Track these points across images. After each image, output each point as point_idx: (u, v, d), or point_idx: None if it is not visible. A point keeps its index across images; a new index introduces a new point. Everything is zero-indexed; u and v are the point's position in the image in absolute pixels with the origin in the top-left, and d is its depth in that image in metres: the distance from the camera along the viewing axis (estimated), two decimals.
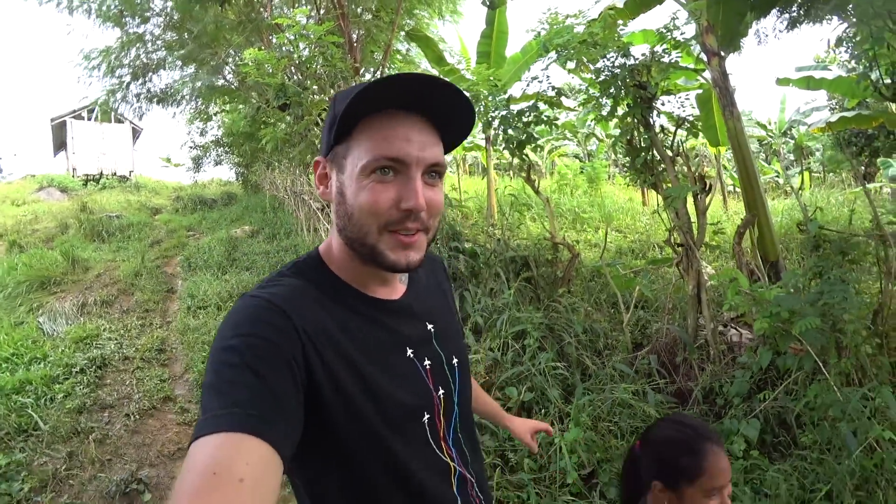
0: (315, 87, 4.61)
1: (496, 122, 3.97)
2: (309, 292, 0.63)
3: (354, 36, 6.86)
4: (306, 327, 0.58)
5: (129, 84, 8.07)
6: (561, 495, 2.30)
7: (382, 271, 0.67)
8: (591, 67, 3.45)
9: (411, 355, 0.69)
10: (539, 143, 14.65)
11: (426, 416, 0.68)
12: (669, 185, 3.37)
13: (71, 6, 6.25)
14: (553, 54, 3.65)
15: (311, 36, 3.65)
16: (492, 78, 4.80)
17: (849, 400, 2.10)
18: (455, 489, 0.71)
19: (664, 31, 3.05)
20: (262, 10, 5.45)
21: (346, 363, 0.60)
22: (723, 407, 2.80)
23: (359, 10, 6.30)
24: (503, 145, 4.09)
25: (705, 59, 4.00)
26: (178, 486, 0.41)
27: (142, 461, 3.00)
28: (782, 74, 6.12)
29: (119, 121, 17.26)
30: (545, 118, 3.87)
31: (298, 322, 0.57)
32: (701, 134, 5.29)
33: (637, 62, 3.27)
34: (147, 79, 8.42)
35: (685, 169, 3.34)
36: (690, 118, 3.46)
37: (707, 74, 4.11)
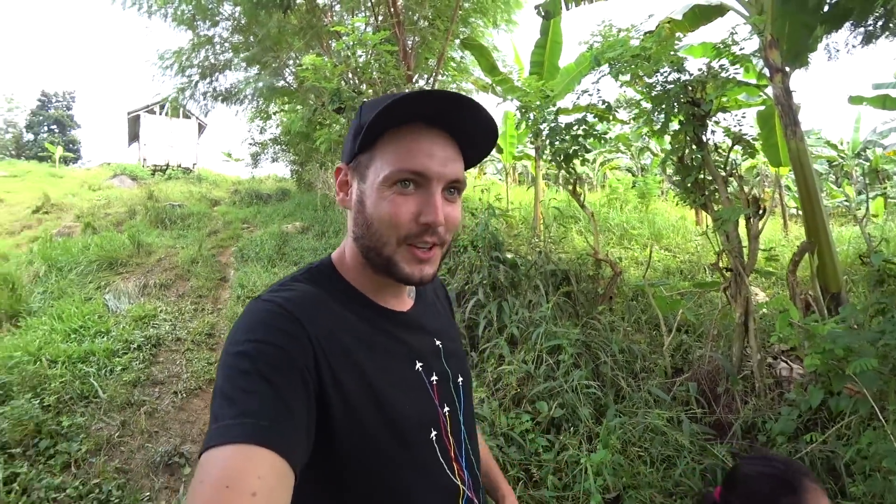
0: (370, 91, 4.79)
1: (544, 134, 3.97)
2: (321, 299, 0.63)
3: (409, 43, 7.06)
4: (318, 334, 0.57)
5: (197, 83, 8.66)
6: None
7: (394, 282, 0.67)
8: (645, 81, 3.39)
9: (419, 368, 0.69)
10: (589, 155, 14.40)
11: (433, 433, 0.67)
12: (721, 206, 3.25)
13: (150, 10, 6.81)
14: (605, 67, 3.61)
15: (368, 44, 3.81)
16: (544, 88, 4.81)
17: None
18: None
19: (721, 46, 2.96)
20: (322, 16, 5.72)
21: (356, 372, 0.60)
22: (764, 444, 2.66)
23: (415, 17, 6.47)
24: (550, 157, 4.08)
25: (768, 74, 3.82)
26: (191, 498, 0.42)
27: (185, 437, 3.22)
28: (856, 92, 5.73)
29: (186, 116, 18.55)
30: (594, 132, 3.84)
31: (310, 329, 0.57)
32: (762, 153, 5.05)
33: (692, 78, 3.18)
34: (214, 78, 8.99)
35: (739, 190, 3.21)
36: (748, 137, 3.32)
37: (770, 91, 3.93)
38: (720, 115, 3.33)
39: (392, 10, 5.04)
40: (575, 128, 3.86)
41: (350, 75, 4.39)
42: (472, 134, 0.65)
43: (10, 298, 4.95)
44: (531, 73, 6.88)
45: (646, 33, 3.62)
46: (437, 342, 0.75)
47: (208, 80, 9.27)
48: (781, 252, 5.38)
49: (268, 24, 6.25)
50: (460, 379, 0.76)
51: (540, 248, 3.89)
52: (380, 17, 6.06)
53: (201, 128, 20.31)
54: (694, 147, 3.32)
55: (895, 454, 1.94)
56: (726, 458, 2.46)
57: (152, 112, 18.45)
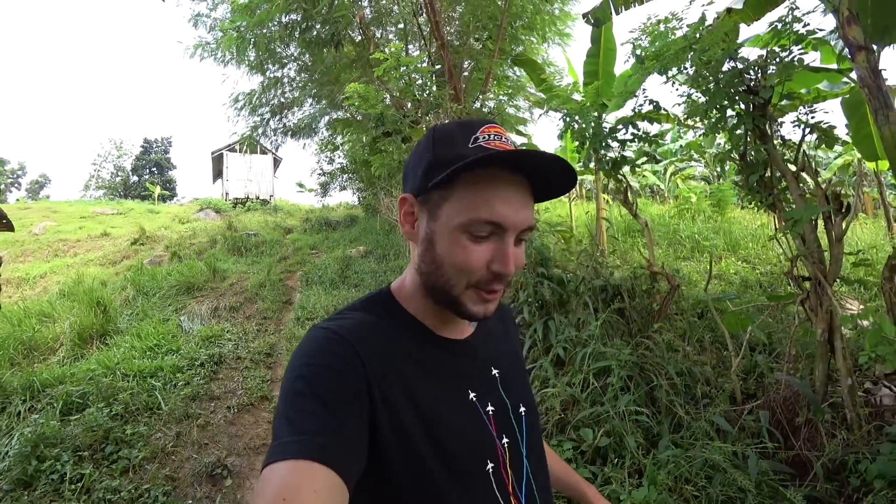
0: (417, 112, 4.94)
1: (587, 142, 3.84)
2: (376, 327, 0.65)
3: (466, 64, 7.24)
4: (372, 361, 0.59)
5: (268, 120, 9.49)
6: None
7: (449, 313, 0.68)
8: (696, 73, 3.17)
9: (473, 399, 0.68)
10: (659, 165, 13.62)
11: (490, 466, 0.66)
12: (793, 205, 2.90)
13: (224, 59, 7.63)
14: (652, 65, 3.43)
15: (405, 69, 3.98)
16: (601, 96, 4.68)
17: None
18: None
19: (780, 24, 2.70)
20: (369, 47, 6.07)
21: (409, 400, 0.60)
22: (857, 489, 2.25)
23: (465, 38, 6.64)
24: (598, 165, 3.92)
25: (848, 55, 3.40)
26: None
27: (230, 450, 3.39)
28: None
29: (263, 152, 20.37)
30: (643, 134, 3.64)
31: (364, 355, 0.59)
32: (855, 148, 4.46)
33: (748, 63, 2.92)
34: (283, 115, 9.80)
35: (815, 186, 2.84)
36: (825, 124, 2.96)
37: (855, 74, 3.49)
38: (787, 104, 3.01)
39: (436, 33, 5.22)
40: (622, 132, 3.69)
41: (391, 99, 4.59)
42: (549, 185, 0.65)
43: (102, 319, 5.61)
44: (585, 83, 6.74)
45: (693, 24, 3.41)
46: (494, 371, 0.75)
47: (278, 117, 10.14)
48: (879, 257, 4.66)
49: (324, 60, 6.74)
50: (522, 409, 0.75)
51: (586, 263, 3.69)
52: (428, 42, 6.30)
53: (277, 162, 22.19)
54: (756, 141, 3.02)
55: None
56: None
57: (233, 150, 20.53)
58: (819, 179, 2.99)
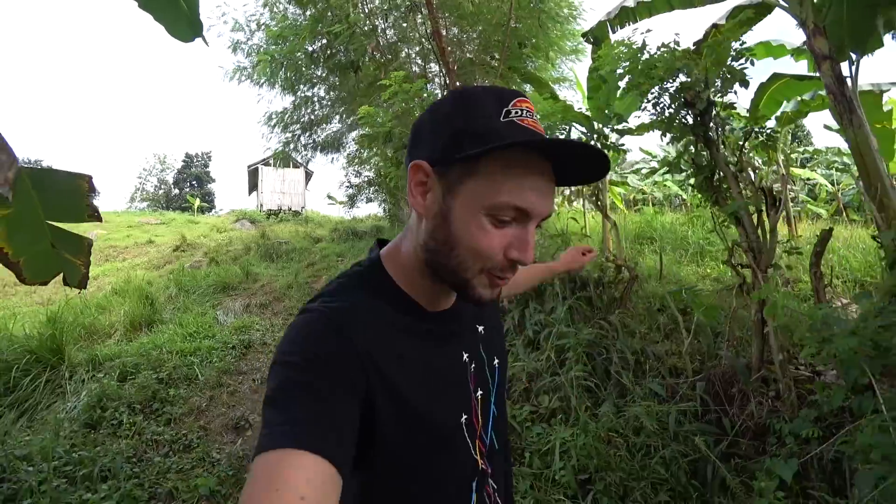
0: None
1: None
2: (370, 306, 0.65)
3: (477, 82, 7.94)
4: (365, 344, 0.59)
5: (299, 136, 10.48)
6: (554, 494, 2.56)
7: (446, 288, 0.69)
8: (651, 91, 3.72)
9: (466, 359, 0.73)
10: (682, 174, 13.84)
11: (464, 417, 0.70)
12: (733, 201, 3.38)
13: (259, 81, 8.66)
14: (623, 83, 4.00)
15: (409, 92, 4.73)
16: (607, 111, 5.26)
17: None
18: (474, 484, 0.72)
19: (715, 42, 3.25)
20: (383, 73, 6.87)
21: (402, 376, 0.62)
22: (775, 445, 2.68)
23: (475, 59, 7.36)
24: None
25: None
26: (243, 500, 0.45)
27: (253, 409, 4.10)
28: None
29: (296, 166, 21.76)
30: (610, 144, 4.20)
31: (357, 340, 0.59)
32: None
33: (689, 80, 3.45)
34: (313, 131, 10.78)
35: (750, 184, 3.32)
36: (764, 131, 3.45)
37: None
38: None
39: (442, 58, 5.97)
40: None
41: (399, 119, 5.33)
42: (577, 173, 0.64)
43: (150, 310, 6.54)
44: (589, 98, 7.30)
45: (695, 43, 3.94)
46: (480, 328, 0.79)
47: (308, 133, 11.14)
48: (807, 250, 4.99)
49: (347, 81, 7.62)
50: (496, 361, 0.80)
51: None
52: (440, 63, 7.05)
53: (308, 175, 23.61)
54: (702, 147, 3.53)
55: (883, 446, 1.81)
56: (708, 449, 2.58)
57: (267, 164, 22.10)
58: (759, 179, 3.47)
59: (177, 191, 45.38)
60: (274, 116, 9.71)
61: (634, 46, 3.72)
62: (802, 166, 12.26)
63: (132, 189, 46.03)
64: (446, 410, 0.68)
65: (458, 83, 6.75)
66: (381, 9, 7.27)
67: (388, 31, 7.71)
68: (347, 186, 15.82)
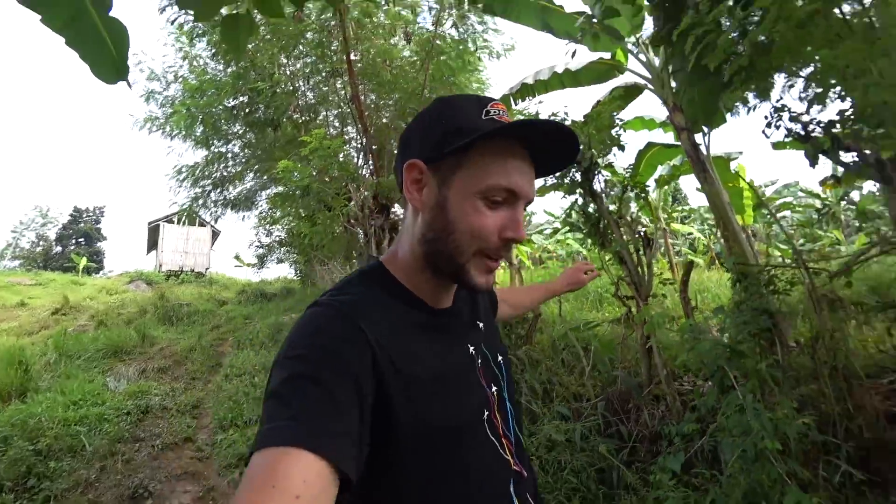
0: (335, 191, 5.94)
1: None
2: (379, 300, 0.67)
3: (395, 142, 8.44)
4: (378, 337, 0.60)
5: (209, 192, 10.21)
6: None
7: (448, 284, 0.73)
8: None
9: (473, 353, 0.75)
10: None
11: (485, 413, 0.71)
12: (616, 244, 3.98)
13: (171, 133, 8.51)
14: None
15: (329, 149, 5.05)
16: None
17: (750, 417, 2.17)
18: (512, 488, 0.72)
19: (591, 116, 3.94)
20: (303, 131, 7.17)
21: (417, 369, 0.63)
22: (666, 446, 3.06)
23: (391, 121, 7.90)
24: None
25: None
26: (238, 495, 0.45)
27: (153, 477, 3.75)
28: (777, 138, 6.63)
29: (202, 224, 20.78)
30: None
31: (369, 332, 0.60)
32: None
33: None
34: (224, 188, 10.57)
35: (629, 229, 3.95)
36: (638, 185, 4.16)
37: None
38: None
39: (360, 120, 6.41)
40: None
41: (317, 175, 5.57)
42: (550, 159, 0.70)
43: (22, 377, 5.75)
44: None
45: (585, 115, 4.65)
46: (480, 325, 0.82)
47: (219, 189, 10.88)
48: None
49: (265, 138, 7.77)
50: (500, 357, 0.82)
51: None
52: (358, 124, 7.50)
53: (215, 235, 22.55)
54: (588, 198, 4.15)
55: (741, 424, 2.17)
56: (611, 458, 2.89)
57: (170, 221, 20.86)
58: (638, 225, 4.13)
59: (59, 248, 40.20)
60: (184, 170, 9.43)
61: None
62: (682, 222, 14.18)
63: (1, 245, 39.65)
64: (467, 406, 0.69)
65: (373, 146, 7.20)
66: (303, 71, 7.65)
67: (308, 93, 8.07)
68: (257, 246, 15.35)
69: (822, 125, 2.88)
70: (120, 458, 4.02)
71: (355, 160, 7.99)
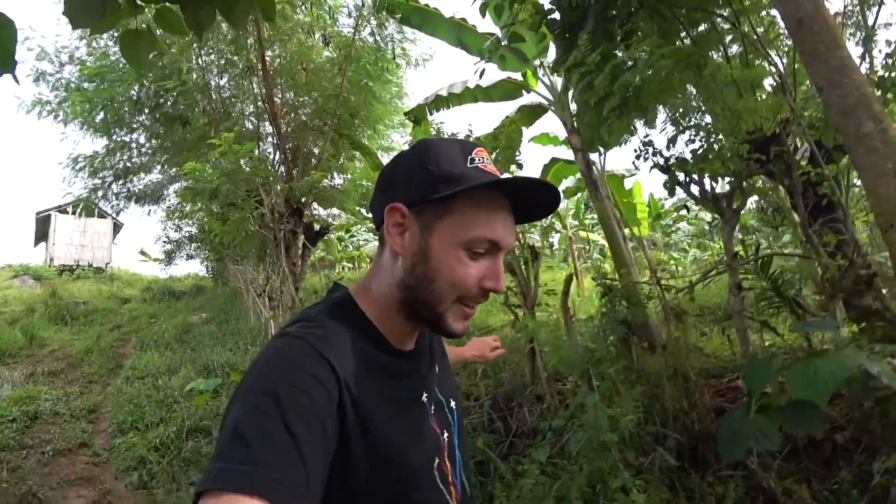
0: (246, 191, 5.99)
1: None
2: (348, 337, 0.65)
3: (318, 144, 8.48)
4: (346, 377, 0.60)
5: (110, 184, 9.62)
6: None
7: (418, 327, 0.73)
8: None
9: (425, 400, 0.74)
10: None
11: (436, 461, 0.71)
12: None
13: (66, 119, 7.94)
14: None
15: (238, 153, 5.14)
16: None
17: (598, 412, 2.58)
18: None
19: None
20: (213, 131, 7.05)
21: (376, 412, 0.63)
22: (541, 440, 3.54)
23: (306, 125, 7.99)
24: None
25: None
26: None
27: (43, 484, 3.72)
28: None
29: (101, 216, 19.15)
30: None
31: (340, 371, 0.59)
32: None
33: None
34: (128, 180, 10.01)
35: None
36: None
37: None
38: None
39: (274, 123, 6.48)
40: None
41: (227, 177, 5.60)
42: (531, 208, 0.72)
43: None
44: None
45: (495, 128, 5.06)
46: (437, 370, 0.81)
47: (122, 181, 10.26)
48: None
49: (172, 134, 7.53)
50: (453, 403, 0.81)
51: None
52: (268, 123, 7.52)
53: (117, 227, 20.87)
54: None
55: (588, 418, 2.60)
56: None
57: (64, 211, 19.00)
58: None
59: None
60: (81, 159, 8.79)
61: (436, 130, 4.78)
62: (591, 230, 15.37)
63: None
64: (421, 452, 0.69)
65: (288, 145, 7.28)
66: (218, 65, 7.48)
67: (222, 90, 7.90)
68: (165, 242, 14.51)
69: (678, 160, 3.48)
70: (5, 466, 3.91)
71: (272, 157, 7.97)
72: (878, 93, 2.63)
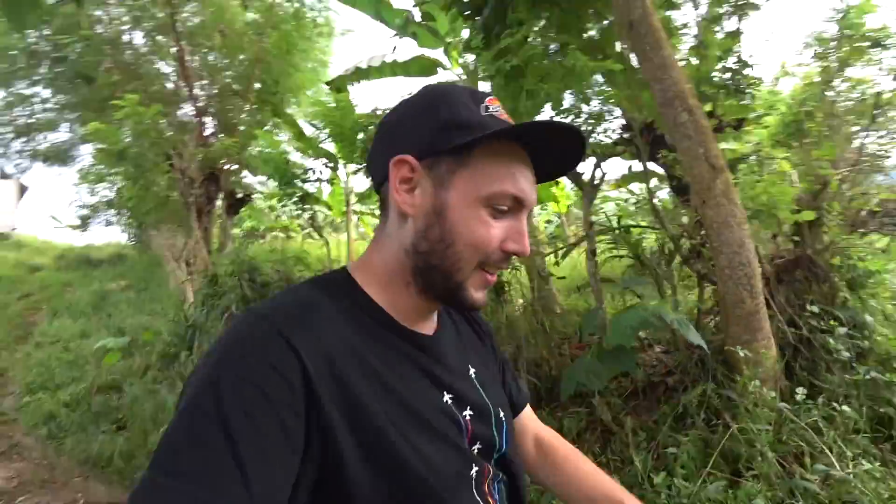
0: (160, 154, 6.07)
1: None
2: (332, 315, 0.56)
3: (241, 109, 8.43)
4: (322, 364, 0.50)
5: (10, 142, 9.14)
6: None
7: (434, 304, 0.65)
8: None
9: (449, 401, 0.62)
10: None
11: (471, 479, 0.60)
12: None
13: None
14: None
15: (143, 116, 5.23)
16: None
17: None
18: None
19: None
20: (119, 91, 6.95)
21: (369, 408, 0.52)
22: None
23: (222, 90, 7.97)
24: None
25: None
26: None
27: None
28: None
29: (4, 177, 17.77)
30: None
31: (312, 357, 0.50)
32: None
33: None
34: (31, 138, 9.52)
35: None
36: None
37: None
38: None
39: (186, 84, 6.49)
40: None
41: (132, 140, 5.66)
42: (550, 162, 0.64)
43: None
44: (330, 134, 8.65)
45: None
46: (472, 369, 0.70)
47: (25, 139, 9.72)
48: None
49: (78, 91, 7.30)
50: (502, 413, 0.70)
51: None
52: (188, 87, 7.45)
53: (22, 189, 19.42)
54: None
55: None
56: None
57: None
58: None
59: None
60: None
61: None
62: None
63: None
64: (439, 460, 0.56)
65: (211, 109, 7.30)
66: (124, 21, 7.26)
67: (134, 46, 7.68)
68: (80, 206, 13.80)
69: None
70: None
71: (194, 120, 7.89)
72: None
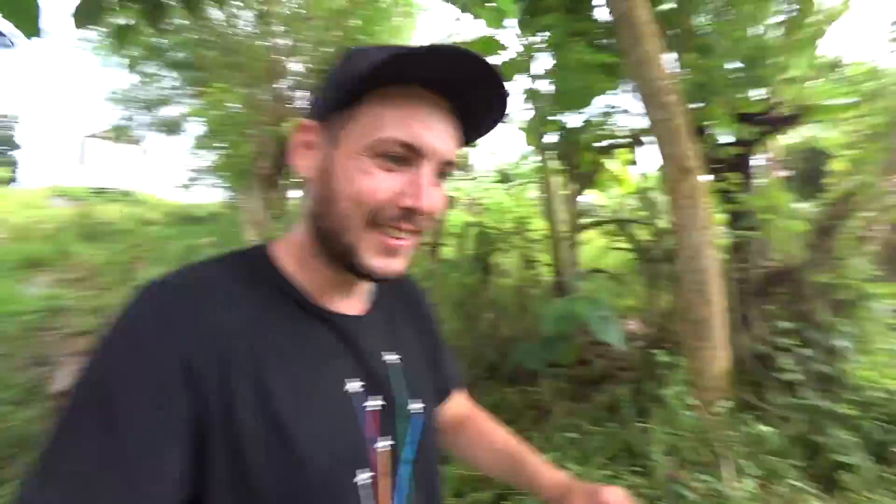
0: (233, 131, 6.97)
1: None
2: (226, 293, 0.53)
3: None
4: (203, 341, 0.49)
5: (141, 112, 10.81)
6: None
7: (348, 280, 0.60)
8: None
9: (351, 390, 0.57)
10: None
11: (361, 476, 0.55)
12: None
13: (106, 54, 9.04)
14: None
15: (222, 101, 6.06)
16: None
17: None
18: None
19: None
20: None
21: (256, 393, 0.50)
22: None
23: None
24: None
25: None
26: None
27: (63, 352, 4.93)
28: None
29: (134, 143, 20.77)
30: None
31: (198, 336, 0.48)
32: None
33: None
34: (157, 110, 11.15)
35: None
36: None
37: None
38: None
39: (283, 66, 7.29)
40: None
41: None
42: (478, 107, 0.57)
43: None
44: None
45: None
46: (390, 357, 0.64)
47: (152, 112, 11.38)
48: None
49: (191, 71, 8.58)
50: (420, 404, 0.65)
51: None
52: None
53: (146, 154, 22.58)
54: None
55: None
56: None
57: (100, 138, 20.68)
58: None
59: None
60: (117, 92, 9.95)
61: None
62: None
63: None
64: (333, 452, 0.53)
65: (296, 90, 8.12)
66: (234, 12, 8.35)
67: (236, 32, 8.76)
68: (189, 170, 15.77)
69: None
70: (36, 343, 5.16)
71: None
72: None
